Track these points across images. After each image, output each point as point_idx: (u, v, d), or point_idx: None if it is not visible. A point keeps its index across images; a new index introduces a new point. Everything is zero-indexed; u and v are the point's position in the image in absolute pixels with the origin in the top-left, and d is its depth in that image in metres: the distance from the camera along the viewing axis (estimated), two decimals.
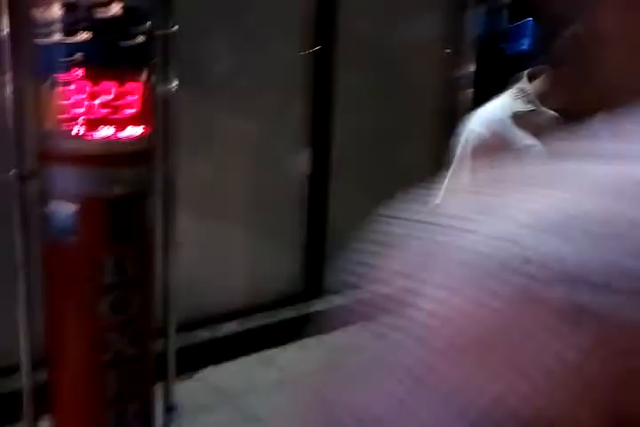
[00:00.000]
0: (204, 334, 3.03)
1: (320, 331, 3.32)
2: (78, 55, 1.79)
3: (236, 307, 3.21)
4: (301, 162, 3.46)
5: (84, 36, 1.78)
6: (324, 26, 3.34)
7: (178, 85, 2.17)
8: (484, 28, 4.00)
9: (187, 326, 2.60)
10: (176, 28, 2.11)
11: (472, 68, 3.96)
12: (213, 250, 3.09)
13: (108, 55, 1.83)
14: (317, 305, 3.37)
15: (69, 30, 1.78)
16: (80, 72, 1.80)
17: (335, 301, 3.51)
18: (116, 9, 1.79)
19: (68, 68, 1.80)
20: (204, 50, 3.00)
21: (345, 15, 3.36)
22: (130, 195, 1.94)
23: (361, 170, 3.72)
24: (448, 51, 3.96)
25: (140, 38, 1.86)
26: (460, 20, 3.93)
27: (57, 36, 1.80)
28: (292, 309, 3.36)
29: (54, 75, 1.83)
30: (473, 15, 3.94)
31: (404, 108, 3.85)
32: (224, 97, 3.12)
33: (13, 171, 1.93)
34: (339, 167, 3.55)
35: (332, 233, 3.55)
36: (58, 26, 1.79)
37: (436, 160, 3.94)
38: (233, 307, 3.20)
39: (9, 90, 1.90)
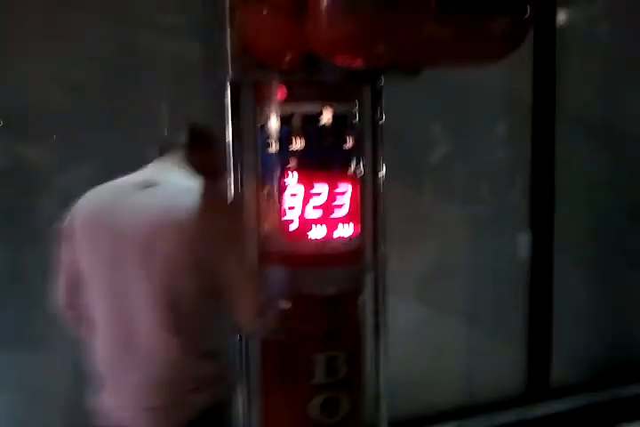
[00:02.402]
0: None
1: None
2: (294, 162, 1.89)
3: (450, 407, 3.04)
4: (523, 246, 3.29)
5: (298, 144, 1.88)
6: (541, 106, 3.21)
7: (392, 174, 2.18)
8: None
9: (397, 425, 2.49)
10: (383, 120, 2.14)
11: None
12: (427, 344, 2.99)
13: (321, 160, 1.90)
14: (542, 408, 3.08)
15: (286, 139, 1.90)
16: (295, 177, 1.90)
17: (562, 404, 3.21)
18: (326, 117, 1.87)
19: (284, 173, 1.91)
20: (421, 136, 3.03)
21: (565, 88, 3.22)
22: (341, 294, 1.95)
23: (587, 254, 3.43)
24: None
25: (350, 142, 1.91)
26: None
27: (275, 145, 1.92)
28: (514, 411, 3.10)
29: (272, 180, 1.94)
30: None
31: (635, 187, 3.52)
32: (441, 182, 3.12)
33: None
34: (562, 251, 3.30)
35: (558, 324, 3.28)
36: (275, 135, 1.92)
37: None
38: (447, 407, 3.04)
39: (231, 194, 2.04)
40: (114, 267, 1.56)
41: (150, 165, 1.69)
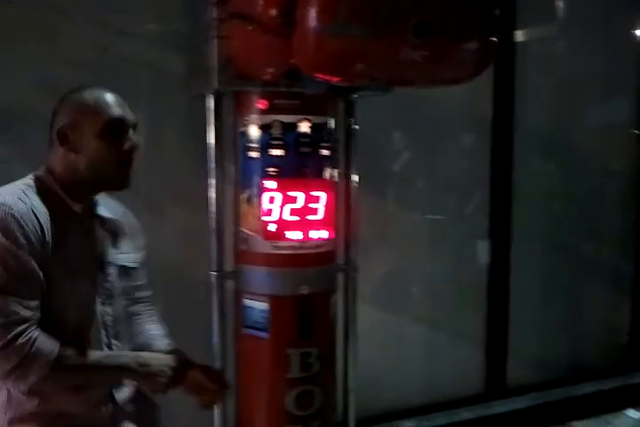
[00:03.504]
0: None
1: None
2: (272, 167, 2.01)
3: (412, 405, 3.17)
4: (482, 253, 3.45)
5: (277, 151, 2.00)
6: (500, 121, 3.39)
7: (360, 182, 2.31)
8: None
9: (363, 422, 2.60)
10: (357, 127, 2.28)
11: None
12: (390, 346, 3.11)
13: (298, 167, 2.02)
14: (499, 406, 3.23)
15: (265, 146, 2.01)
16: (274, 182, 2.01)
17: (518, 402, 3.37)
18: (304, 127, 2.00)
19: (263, 178, 2.02)
20: (387, 147, 3.17)
21: (524, 104, 3.40)
22: (315, 293, 2.07)
23: (543, 261, 3.61)
24: (635, 132, 3.81)
25: (325, 151, 2.04)
26: None
27: (254, 151, 2.04)
28: (472, 409, 3.25)
29: (251, 184, 2.05)
30: None
31: (590, 196, 3.73)
32: (403, 190, 3.26)
33: (214, 270, 2.15)
34: (520, 258, 3.48)
35: (514, 327, 3.44)
36: (255, 142, 2.03)
37: (627, 252, 3.78)
38: (410, 405, 3.16)
39: (212, 197, 2.14)
40: None
41: None
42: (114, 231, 1.66)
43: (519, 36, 3.40)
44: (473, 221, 3.42)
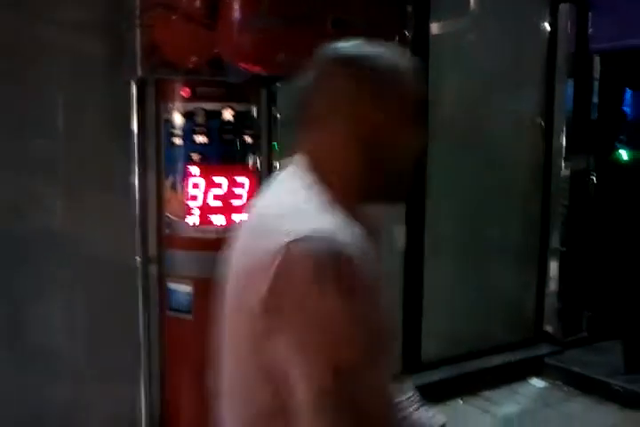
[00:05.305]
0: None
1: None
2: (196, 155, 2.06)
3: None
4: (398, 238, 3.58)
5: (201, 138, 2.05)
6: None
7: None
8: (574, 99, 4.08)
9: None
10: (279, 115, 2.36)
11: (565, 139, 4.03)
12: None
13: (222, 154, 2.08)
14: (415, 379, 3.40)
15: (189, 133, 2.06)
16: (197, 169, 2.06)
17: (432, 375, 3.55)
18: (228, 115, 2.06)
19: (187, 165, 2.07)
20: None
21: (437, 96, 3.54)
22: None
23: (456, 245, 3.80)
24: (540, 122, 4.04)
25: (248, 138, 2.11)
26: (552, 93, 4.04)
27: (178, 139, 2.08)
28: None
29: (175, 171, 2.10)
30: (564, 87, 4.04)
31: (500, 183, 3.93)
32: None
33: (138, 255, 2.19)
34: (433, 242, 3.64)
35: (428, 307, 3.62)
36: (179, 130, 2.07)
37: (532, 235, 4.01)
38: None
39: (136, 183, 2.18)
40: None
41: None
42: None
43: (433, 29, 3.54)
44: (390, 208, 3.55)
